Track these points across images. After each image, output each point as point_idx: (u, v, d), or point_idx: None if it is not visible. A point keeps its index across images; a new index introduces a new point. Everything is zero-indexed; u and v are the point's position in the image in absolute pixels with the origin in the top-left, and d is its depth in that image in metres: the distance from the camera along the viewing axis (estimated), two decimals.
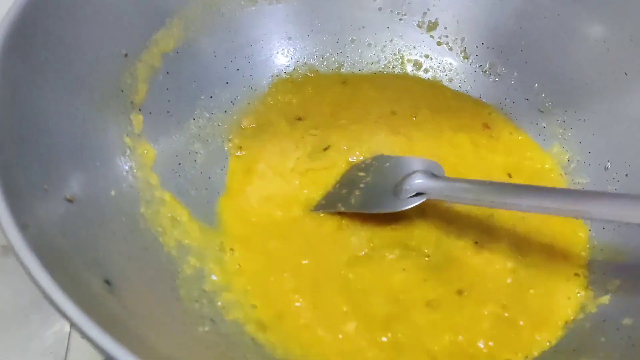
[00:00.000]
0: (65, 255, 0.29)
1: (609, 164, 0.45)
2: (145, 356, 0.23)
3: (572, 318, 0.38)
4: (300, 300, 0.38)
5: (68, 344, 0.41)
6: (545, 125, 0.49)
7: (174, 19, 0.46)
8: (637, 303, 0.37)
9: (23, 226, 0.26)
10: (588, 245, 0.42)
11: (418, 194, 0.41)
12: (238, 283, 0.39)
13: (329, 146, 0.47)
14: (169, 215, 0.41)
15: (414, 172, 0.43)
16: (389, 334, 0.37)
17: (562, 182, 0.46)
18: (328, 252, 0.41)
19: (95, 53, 0.39)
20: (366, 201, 0.43)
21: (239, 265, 0.40)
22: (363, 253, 0.41)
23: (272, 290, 0.39)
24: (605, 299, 0.38)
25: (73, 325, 0.23)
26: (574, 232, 0.43)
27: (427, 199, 0.41)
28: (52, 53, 0.36)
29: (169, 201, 0.42)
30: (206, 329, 0.35)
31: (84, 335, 0.23)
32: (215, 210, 0.44)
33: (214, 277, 0.39)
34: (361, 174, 0.45)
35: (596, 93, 0.46)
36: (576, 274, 0.40)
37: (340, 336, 0.37)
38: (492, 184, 0.41)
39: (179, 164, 0.44)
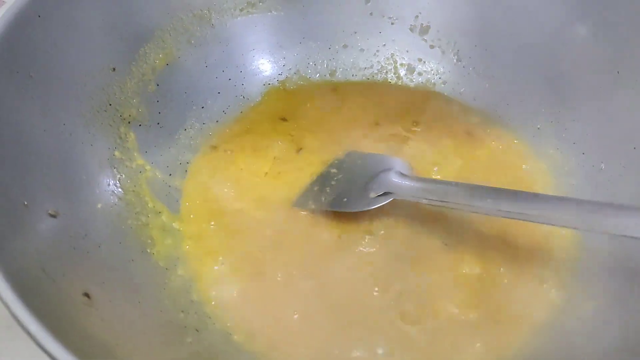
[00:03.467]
0: (41, 271, 0.29)
1: (602, 165, 0.44)
2: None
3: (551, 321, 0.38)
4: (286, 308, 0.39)
5: None
6: (539, 127, 0.48)
7: (164, 32, 0.47)
8: (629, 307, 0.36)
9: None
10: (574, 249, 0.41)
11: (386, 193, 0.42)
12: (223, 289, 0.39)
13: (302, 148, 0.47)
14: (160, 226, 0.42)
15: (383, 171, 0.43)
16: (346, 313, 0.38)
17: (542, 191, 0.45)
18: (301, 248, 0.42)
19: (82, 68, 0.40)
20: (336, 199, 0.43)
21: (220, 266, 0.41)
22: (335, 247, 0.41)
23: (256, 295, 0.39)
24: (588, 302, 0.38)
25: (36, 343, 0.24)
26: (550, 237, 0.42)
27: (394, 199, 0.41)
28: (38, 69, 0.37)
29: (161, 212, 0.42)
30: (189, 340, 0.35)
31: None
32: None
33: (199, 285, 0.39)
34: (333, 170, 0.46)
35: (589, 93, 0.45)
36: (546, 279, 0.40)
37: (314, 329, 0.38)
38: (457, 185, 0.40)
39: (170, 174, 0.45)
